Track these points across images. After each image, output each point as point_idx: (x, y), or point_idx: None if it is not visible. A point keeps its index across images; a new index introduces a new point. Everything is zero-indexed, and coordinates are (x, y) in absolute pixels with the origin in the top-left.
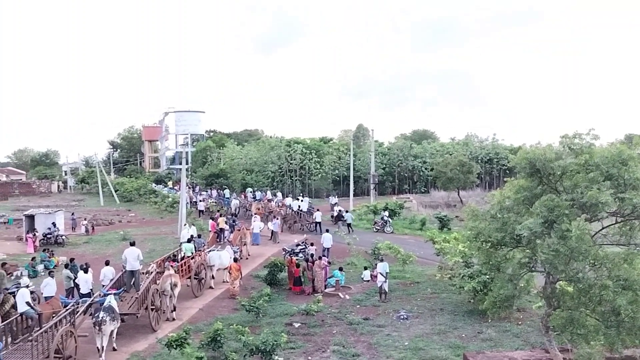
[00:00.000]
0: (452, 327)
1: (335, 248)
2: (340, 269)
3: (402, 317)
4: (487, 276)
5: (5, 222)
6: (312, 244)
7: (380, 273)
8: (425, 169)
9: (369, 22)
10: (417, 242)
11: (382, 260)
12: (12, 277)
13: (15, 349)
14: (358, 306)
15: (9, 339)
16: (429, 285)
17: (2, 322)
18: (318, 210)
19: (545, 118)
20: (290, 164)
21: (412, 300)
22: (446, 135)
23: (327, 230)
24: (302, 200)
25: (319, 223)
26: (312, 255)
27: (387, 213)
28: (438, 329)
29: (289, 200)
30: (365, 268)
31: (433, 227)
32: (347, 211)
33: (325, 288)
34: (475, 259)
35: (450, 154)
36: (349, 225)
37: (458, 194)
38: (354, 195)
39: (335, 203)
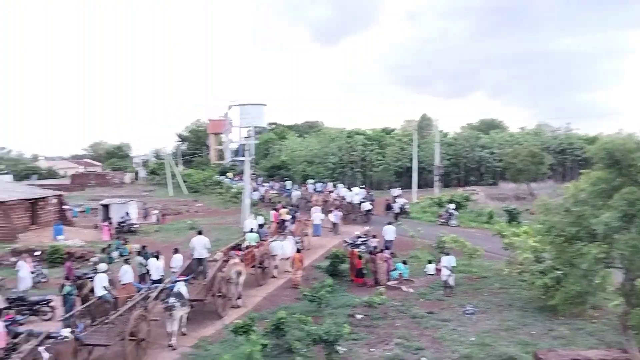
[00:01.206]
0: (522, 323)
1: (399, 241)
2: (404, 262)
3: (468, 312)
4: (561, 272)
5: (83, 211)
6: (374, 236)
7: (445, 267)
8: (494, 160)
9: (430, 6)
10: (484, 236)
11: (447, 254)
12: (90, 263)
13: (94, 331)
14: (422, 300)
15: (88, 321)
16: (496, 280)
17: (82, 305)
18: (372, 201)
19: (622, 106)
20: (351, 155)
21: (478, 295)
22: (516, 124)
23: (390, 223)
24: (354, 192)
25: (369, 211)
26: (374, 247)
27: (452, 205)
28: (506, 325)
29: (342, 192)
30: (430, 261)
31: (501, 220)
32: (394, 200)
33: (388, 281)
34: (547, 254)
35: (520, 144)
36: (396, 214)
37: (528, 186)
38: (418, 187)
39: (398, 195)
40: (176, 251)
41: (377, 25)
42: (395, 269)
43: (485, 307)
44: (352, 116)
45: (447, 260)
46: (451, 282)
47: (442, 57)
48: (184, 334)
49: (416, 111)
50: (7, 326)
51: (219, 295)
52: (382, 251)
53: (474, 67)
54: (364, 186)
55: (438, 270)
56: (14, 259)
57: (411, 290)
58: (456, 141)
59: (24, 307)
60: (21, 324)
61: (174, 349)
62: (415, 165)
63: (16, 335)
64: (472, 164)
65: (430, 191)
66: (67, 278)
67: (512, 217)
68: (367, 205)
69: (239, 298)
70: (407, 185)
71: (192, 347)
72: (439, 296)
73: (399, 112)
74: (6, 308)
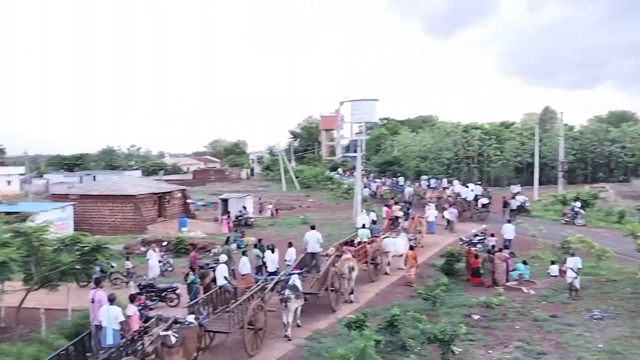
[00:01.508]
0: None
1: (518, 240)
2: (524, 262)
3: (595, 316)
4: None
5: (204, 205)
6: (492, 235)
7: (571, 268)
8: (625, 154)
9: None
10: (613, 237)
11: (573, 255)
12: (211, 255)
13: (216, 318)
14: (544, 302)
15: (210, 309)
16: (628, 284)
17: (204, 293)
18: (489, 198)
19: None
20: (467, 150)
21: (607, 299)
22: None
23: (509, 221)
24: (469, 188)
25: (486, 207)
26: (492, 246)
27: (578, 204)
28: (639, 333)
29: (457, 188)
30: (553, 262)
31: (634, 220)
32: (512, 197)
33: (507, 281)
34: None
35: None
36: (512, 211)
37: None
38: (539, 184)
39: (518, 192)
40: (290, 245)
41: (496, 15)
42: (514, 269)
43: (615, 312)
44: (469, 110)
45: (573, 262)
46: (577, 284)
47: (566, 46)
48: (299, 326)
49: (537, 104)
50: (139, 310)
51: (332, 290)
52: (500, 250)
53: (601, 55)
54: (480, 182)
55: (562, 272)
56: (143, 249)
57: (532, 291)
58: (582, 135)
59: (153, 294)
60: (151, 309)
61: (289, 340)
62: (537, 161)
63: (147, 319)
64: (601, 159)
65: (553, 188)
66: (191, 268)
67: None
68: (484, 201)
69: (351, 293)
70: (527, 182)
71: (306, 339)
72: (563, 299)
73: (519, 105)
74: (137, 294)
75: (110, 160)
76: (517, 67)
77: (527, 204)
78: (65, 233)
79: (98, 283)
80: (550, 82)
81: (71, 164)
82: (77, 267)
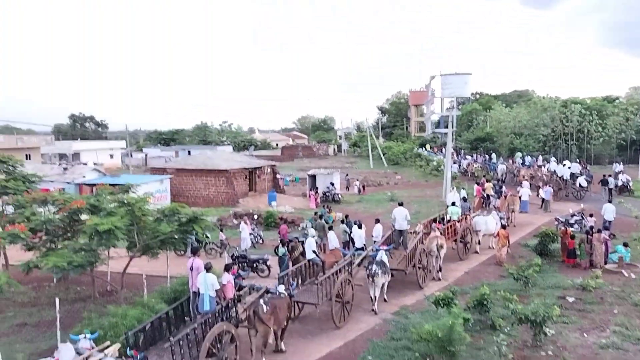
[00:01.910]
0: None
1: (619, 221)
2: (625, 245)
3: None
4: None
5: (293, 180)
6: (591, 215)
7: None
8: None
9: None
10: None
11: None
12: (299, 229)
13: (304, 290)
14: None
15: (299, 281)
16: None
17: (293, 266)
18: (589, 177)
19: None
20: (566, 126)
21: None
22: None
23: (610, 201)
24: (566, 166)
25: (584, 187)
26: (591, 227)
27: None
28: None
29: (553, 166)
30: None
31: None
32: (615, 176)
33: (606, 264)
34: None
35: None
36: (611, 189)
37: None
38: None
39: (621, 171)
40: (377, 221)
41: None
42: (614, 252)
43: None
44: (568, 84)
45: None
46: None
47: None
48: (386, 301)
49: None
50: (234, 279)
51: (419, 267)
52: (599, 231)
53: None
54: (579, 160)
55: None
56: (235, 221)
57: (633, 275)
58: None
59: (245, 264)
60: (244, 279)
61: (376, 314)
62: None
63: (240, 288)
64: None
65: None
66: (281, 241)
67: None
68: (582, 181)
69: (439, 271)
70: (631, 161)
71: (393, 314)
72: None
73: (624, 78)
74: (231, 264)
75: (203, 136)
76: (623, 37)
77: (630, 184)
78: (164, 204)
79: (195, 252)
80: None
81: (167, 139)
82: (175, 236)
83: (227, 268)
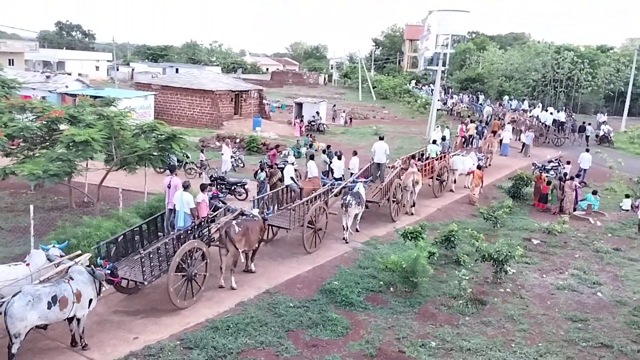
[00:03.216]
0: None
1: (594, 170)
2: (594, 193)
3: None
4: None
5: (279, 107)
6: (568, 162)
7: None
8: None
9: None
10: None
11: None
12: (281, 156)
13: (279, 214)
14: (609, 235)
15: (276, 206)
16: None
17: (271, 191)
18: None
19: None
20: (557, 73)
21: None
22: None
23: (587, 150)
24: (549, 112)
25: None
26: (565, 174)
27: None
28: None
29: (536, 112)
30: (627, 196)
31: None
32: (599, 127)
33: (575, 210)
34: None
35: None
36: (587, 137)
37: None
38: (629, 115)
39: (604, 121)
40: (355, 154)
41: None
42: (584, 199)
43: None
44: (565, 30)
45: None
46: None
47: None
48: (358, 231)
49: None
50: (210, 200)
51: (394, 201)
52: (572, 179)
53: None
54: (565, 108)
55: (635, 207)
56: (217, 143)
57: (599, 223)
58: None
59: (223, 186)
60: (221, 201)
61: (347, 243)
62: (630, 90)
63: (216, 208)
64: None
65: None
66: (260, 166)
67: None
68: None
69: (412, 206)
70: (617, 112)
71: (363, 244)
72: (631, 234)
73: (623, 27)
74: (209, 184)
75: (192, 54)
76: None
77: (611, 135)
78: (146, 120)
79: (173, 170)
80: None
81: (156, 54)
82: (154, 153)
83: (203, 187)
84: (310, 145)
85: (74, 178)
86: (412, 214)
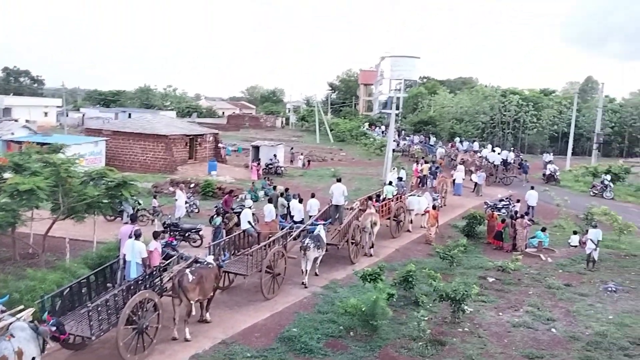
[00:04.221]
0: None
1: (542, 208)
2: (543, 230)
3: (609, 289)
4: None
5: (235, 150)
6: (518, 201)
7: (591, 240)
8: None
9: None
10: None
11: (595, 227)
12: (237, 200)
13: (236, 260)
14: (560, 271)
15: (233, 252)
16: None
17: (227, 236)
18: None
19: None
20: (504, 115)
21: (624, 273)
22: None
23: (533, 187)
24: (498, 153)
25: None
26: (516, 212)
27: (608, 177)
28: None
29: (485, 152)
30: (575, 233)
31: None
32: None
33: (526, 248)
34: None
35: None
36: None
37: None
38: (573, 155)
39: (550, 161)
40: (313, 196)
41: None
42: (534, 237)
43: (630, 286)
44: (511, 74)
45: (594, 233)
46: (595, 256)
47: (621, 13)
48: (317, 275)
49: (582, 73)
50: (163, 248)
51: (352, 243)
52: (522, 217)
53: None
54: (513, 149)
55: (582, 243)
56: (171, 189)
57: (550, 259)
58: (622, 108)
59: (176, 233)
60: (173, 249)
61: (306, 287)
62: (572, 131)
63: (168, 256)
64: (639, 134)
65: (586, 160)
66: (216, 211)
67: None
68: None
69: (371, 247)
70: (561, 152)
71: (323, 288)
72: (580, 269)
73: (563, 72)
74: (162, 232)
75: (146, 99)
76: (567, 32)
77: (557, 174)
78: (97, 167)
79: (134, 220)
80: (600, 51)
81: (108, 100)
82: (104, 201)
83: (155, 235)
84: (275, 188)
85: (18, 228)
86: (371, 255)
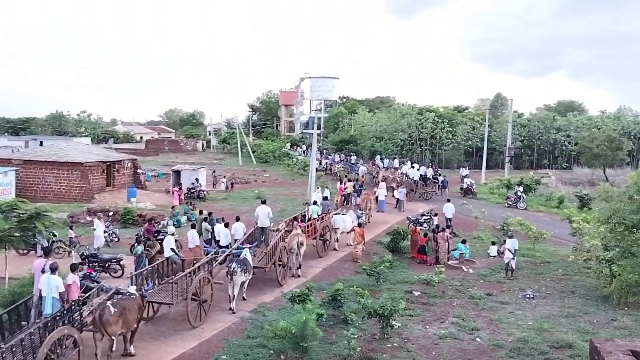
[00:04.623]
0: (583, 311)
1: (462, 221)
2: (464, 241)
3: (528, 296)
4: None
5: (155, 176)
6: (436, 214)
7: (509, 249)
8: (569, 143)
9: None
10: (551, 221)
11: (511, 237)
12: (159, 226)
13: (160, 289)
14: (481, 281)
15: (156, 280)
16: (560, 266)
17: (149, 264)
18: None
19: None
20: (421, 132)
21: (540, 280)
22: (596, 107)
23: (449, 200)
24: (418, 169)
25: (428, 185)
26: (437, 226)
27: (521, 188)
28: (567, 312)
29: (405, 168)
30: (493, 243)
31: (572, 206)
32: (462, 180)
33: (449, 260)
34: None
35: (599, 128)
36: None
37: (604, 172)
38: (487, 168)
39: (466, 175)
40: (237, 219)
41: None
42: (455, 249)
43: (546, 292)
44: (425, 93)
45: (511, 243)
46: (513, 265)
47: (523, 35)
48: (245, 299)
49: (492, 90)
50: (81, 280)
51: (280, 264)
52: (443, 230)
53: (556, 45)
54: (432, 164)
55: (500, 253)
56: (89, 218)
57: (471, 270)
58: (530, 122)
59: (96, 264)
60: (93, 281)
61: (234, 313)
62: (485, 146)
63: (87, 289)
64: (546, 146)
65: (500, 173)
66: (137, 239)
67: (584, 203)
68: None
69: (299, 268)
70: (476, 166)
71: (251, 312)
72: (500, 278)
73: (474, 90)
74: (80, 264)
75: (59, 126)
76: (475, 51)
77: (473, 187)
78: (5, 199)
79: (48, 253)
80: (506, 68)
81: (17, 127)
82: (15, 234)
83: (73, 268)
84: (201, 212)
85: None
86: (298, 276)
